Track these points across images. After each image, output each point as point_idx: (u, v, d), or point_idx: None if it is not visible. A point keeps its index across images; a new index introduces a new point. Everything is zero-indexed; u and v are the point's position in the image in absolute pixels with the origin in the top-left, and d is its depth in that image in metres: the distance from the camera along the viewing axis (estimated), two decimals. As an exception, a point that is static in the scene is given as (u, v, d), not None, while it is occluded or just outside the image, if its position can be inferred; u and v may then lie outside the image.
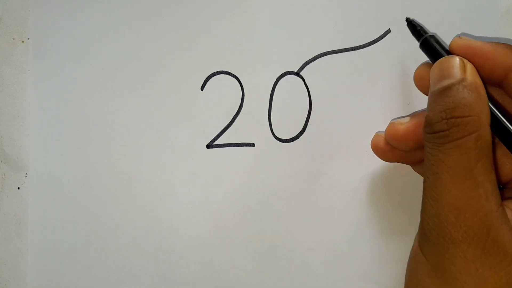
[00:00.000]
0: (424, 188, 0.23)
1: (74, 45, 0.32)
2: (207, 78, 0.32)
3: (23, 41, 0.32)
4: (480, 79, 0.23)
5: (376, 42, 0.31)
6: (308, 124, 0.32)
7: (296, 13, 0.32)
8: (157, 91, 0.32)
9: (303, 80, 0.32)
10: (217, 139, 0.32)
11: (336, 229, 0.32)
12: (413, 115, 0.27)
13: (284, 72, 0.32)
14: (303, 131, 0.32)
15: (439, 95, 0.22)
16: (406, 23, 0.27)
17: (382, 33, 0.31)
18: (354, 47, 0.32)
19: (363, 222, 0.32)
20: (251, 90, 0.32)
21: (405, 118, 0.27)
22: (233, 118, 0.32)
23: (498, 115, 0.23)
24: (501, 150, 0.26)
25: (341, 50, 0.32)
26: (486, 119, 0.22)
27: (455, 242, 0.21)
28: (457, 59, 0.23)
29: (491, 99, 0.23)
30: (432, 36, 0.26)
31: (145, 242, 0.32)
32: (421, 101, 0.32)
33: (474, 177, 0.21)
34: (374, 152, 0.28)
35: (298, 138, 0.32)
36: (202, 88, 0.32)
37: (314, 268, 0.32)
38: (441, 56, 0.25)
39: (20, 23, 0.32)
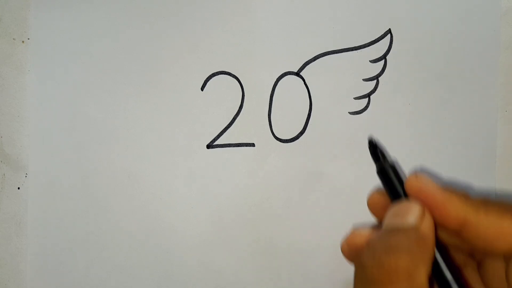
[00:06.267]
0: None
1: (74, 45, 0.32)
2: (207, 78, 0.32)
3: (23, 41, 0.32)
4: (433, 234, 0.21)
5: (376, 42, 0.31)
6: (308, 124, 0.32)
7: (296, 13, 0.32)
8: (157, 91, 0.32)
9: (303, 80, 0.32)
10: (217, 139, 0.32)
11: (336, 229, 0.32)
12: (375, 227, 0.25)
13: (284, 72, 0.32)
14: (303, 131, 0.32)
15: (387, 233, 0.21)
16: (368, 143, 0.25)
17: (382, 33, 0.31)
18: (354, 47, 0.32)
19: (363, 222, 0.32)
20: (251, 90, 0.32)
21: (365, 229, 0.25)
22: (233, 118, 0.32)
23: (444, 271, 0.22)
24: (467, 273, 0.25)
25: (341, 50, 0.32)
26: (423, 273, 0.20)
27: None
28: (418, 207, 0.22)
29: (441, 251, 0.22)
30: (393, 167, 0.24)
31: (145, 242, 0.32)
32: (422, 102, 0.32)
33: None
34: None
35: (298, 138, 0.32)
36: (202, 88, 0.32)
37: (314, 268, 0.32)
38: (396, 191, 0.23)
39: (20, 23, 0.32)
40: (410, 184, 0.22)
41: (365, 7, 0.31)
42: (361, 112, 0.32)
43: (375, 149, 0.25)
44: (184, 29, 0.32)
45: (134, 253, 0.32)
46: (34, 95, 0.32)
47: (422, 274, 0.20)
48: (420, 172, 0.24)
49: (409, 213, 0.22)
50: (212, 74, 0.32)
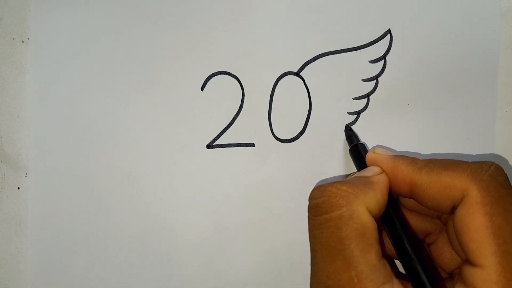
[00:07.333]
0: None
1: (74, 45, 0.32)
2: (207, 78, 0.32)
3: (23, 41, 0.32)
4: (385, 185, 0.23)
5: (376, 42, 0.31)
6: (308, 124, 0.32)
7: (296, 13, 0.32)
8: (157, 91, 0.32)
9: (303, 80, 0.32)
10: (217, 139, 0.32)
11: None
12: None
13: (284, 72, 0.32)
14: (303, 131, 0.32)
15: None
16: (344, 128, 0.31)
17: (381, 33, 0.31)
18: (354, 47, 0.32)
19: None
20: (251, 90, 0.32)
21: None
22: (233, 118, 0.32)
23: (392, 215, 0.24)
24: (442, 239, 0.26)
25: (341, 50, 0.32)
26: (362, 203, 0.22)
27: None
28: (376, 167, 0.25)
29: (395, 205, 0.24)
30: (362, 145, 0.29)
31: (144, 242, 0.32)
32: (421, 102, 0.32)
33: (345, 258, 0.21)
34: None
35: (298, 138, 0.32)
36: (202, 89, 0.32)
37: (314, 268, 0.32)
38: (363, 163, 0.27)
39: (20, 23, 0.32)
40: (368, 157, 0.26)
41: (365, 7, 0.31)
42: (361, 112, 0.32)
43: (349, 133, 0.31)
44: (184, 29, 0.32)
45: (134, 253, 0.32)
46: (34, 95, 0.32)
47: (360, 203, 0.22)
48: (379, 148, 0.26)
49: (368, 172, 0.25)
50: (212, 74, 0.32)
